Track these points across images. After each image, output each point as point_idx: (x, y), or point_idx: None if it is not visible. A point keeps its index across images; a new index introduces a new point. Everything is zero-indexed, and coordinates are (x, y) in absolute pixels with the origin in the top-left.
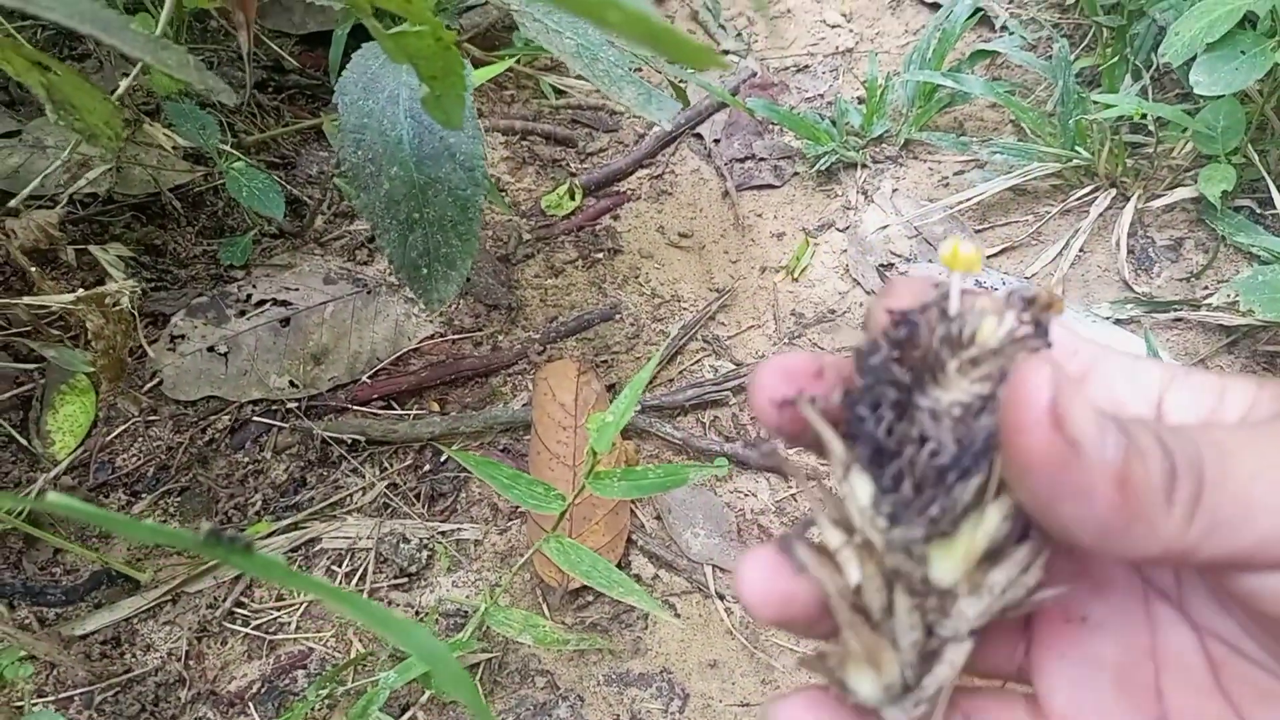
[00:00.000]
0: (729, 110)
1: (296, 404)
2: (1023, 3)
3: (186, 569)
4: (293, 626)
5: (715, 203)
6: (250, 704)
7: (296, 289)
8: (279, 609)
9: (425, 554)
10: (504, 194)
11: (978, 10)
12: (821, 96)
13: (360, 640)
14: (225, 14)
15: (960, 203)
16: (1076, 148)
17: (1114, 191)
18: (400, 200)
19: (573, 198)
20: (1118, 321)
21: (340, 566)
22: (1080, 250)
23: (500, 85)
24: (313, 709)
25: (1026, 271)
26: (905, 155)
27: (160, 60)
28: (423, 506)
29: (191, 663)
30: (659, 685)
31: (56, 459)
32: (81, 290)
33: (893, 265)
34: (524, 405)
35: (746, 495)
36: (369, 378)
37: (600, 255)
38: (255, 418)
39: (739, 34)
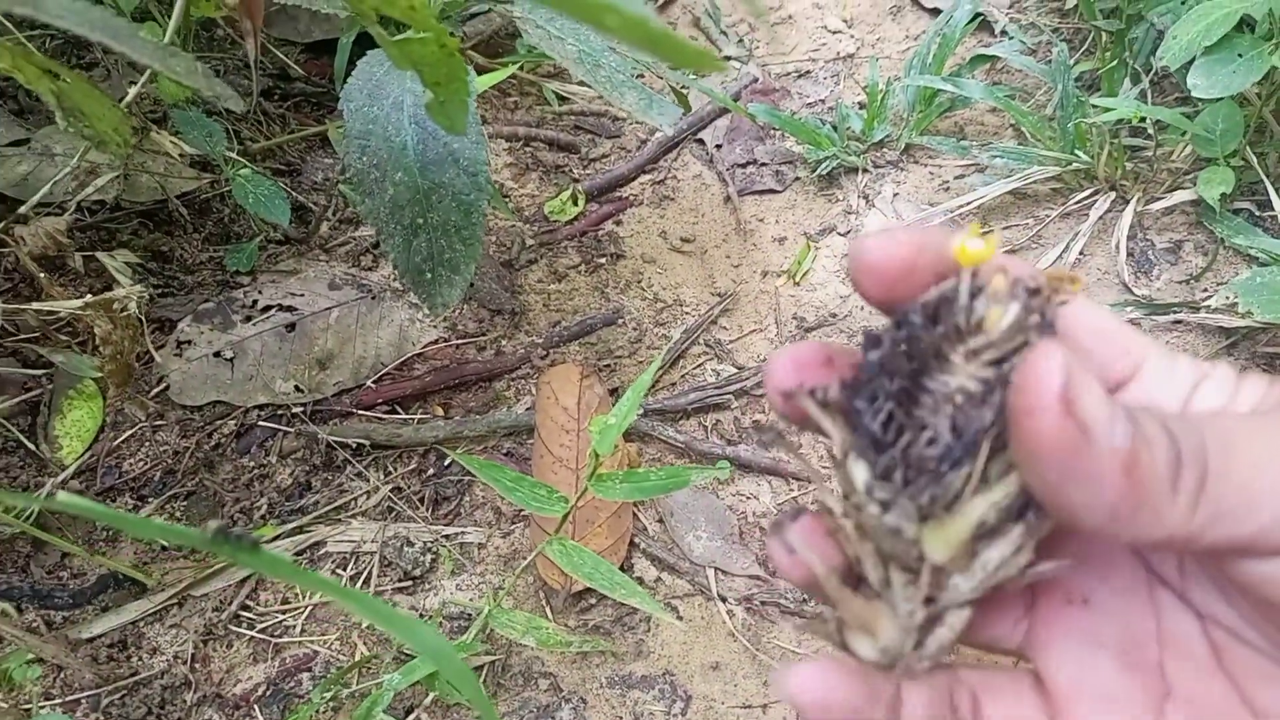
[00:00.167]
0: (731, 116)
1: (302, 409)
2: (1022, 8)
3: (193, 572)
4: (298, 629)
5: (717, 208)
6: (255, 707)
7: (302, 295)
8: (284, 612)
9: (429, 557)
10: (507, 200)
11: (977, 16)
12: (823, 102)
13: (365, 643)
14: (232, 23)
15: (961, 206)
16: (1076, 151)
17: (1113, 195)
18: (404, 205)
19: (575, 203)
20: None
21: (345, 570)
22: (1080, 253)
23: (503, 92)
24: (317, 711)
25: None
26: (906, 160)
27: (169, 67)
28: (427, 510)
29: (197, 665)
30: (661, 687)
31: (64, 463)
32: (89, 296)
33: None
34: (527, 409)
35: (749, 498)
36: (373, 382)
37: (603, 260)
38: (261, 422)
39: (740, 40)
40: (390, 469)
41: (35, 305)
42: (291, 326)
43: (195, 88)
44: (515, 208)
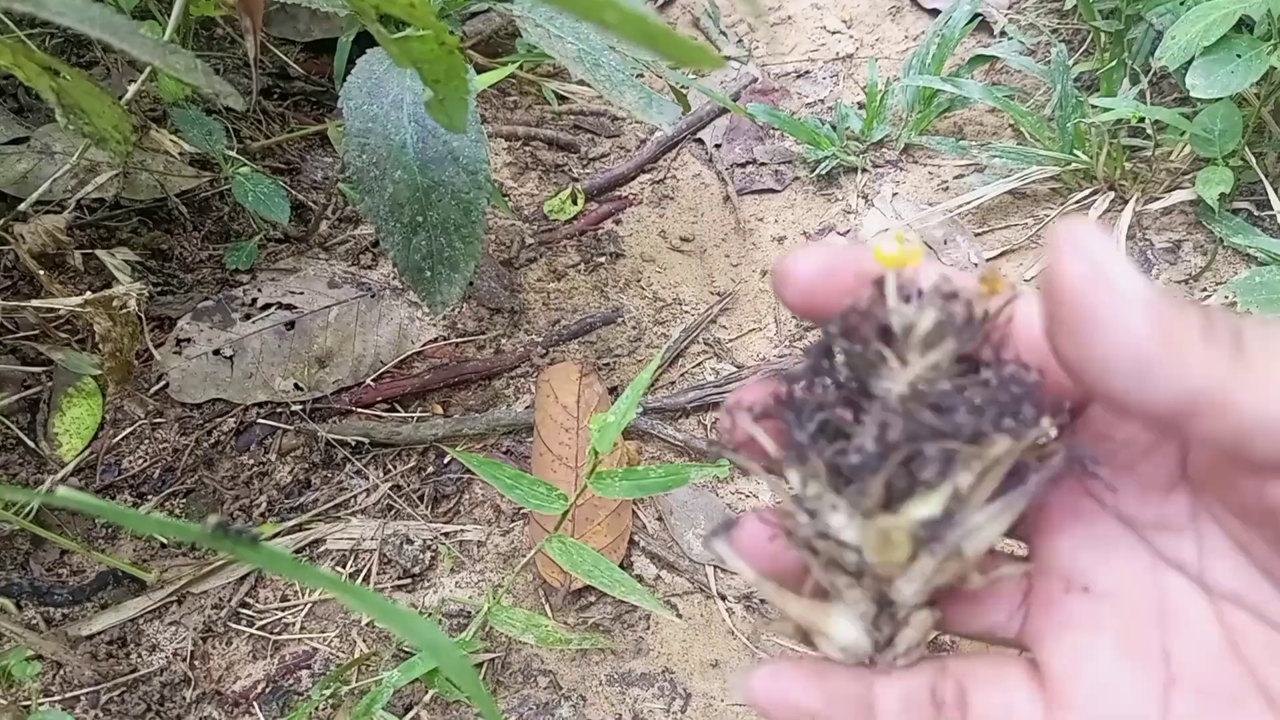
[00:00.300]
0: (730, 116)
1: (301, 407)
2: (1021, 8)
3: (192, 570)
4: (297, 627)
5: (716, 207)
6: (255, 704)
7: (301, 293)
8: (283, 609)
9: (428, 555)
10: (507, 199)
11: (976, 16)
12: (822, 102)
13: (364, 640)
14: (231, 22)
15: (960, 206)
16: (1075, 151)
17: (1112, 194)
18: (404, 203)
19: (575, 202)
20: None
21: (344, 567)
22: None
23: (503, 92)
24: (317, 708)
25: (1026, 274)
26: (905, 159)
27: (168, 64)
28: (426, 508)
29: (197, 663)
30: (661, 685)
31: (64, 461)
32: (89, 294)
33: None
34: (526, 408)
35: (748, 496)
36: (373, 381)
37: (602, 259)
38: (260, 420)
39: (740, 40)
40: (390, 467)
41: (35, 303)
42: (291, 324)
43: (195, 85)
44: (515, 207)
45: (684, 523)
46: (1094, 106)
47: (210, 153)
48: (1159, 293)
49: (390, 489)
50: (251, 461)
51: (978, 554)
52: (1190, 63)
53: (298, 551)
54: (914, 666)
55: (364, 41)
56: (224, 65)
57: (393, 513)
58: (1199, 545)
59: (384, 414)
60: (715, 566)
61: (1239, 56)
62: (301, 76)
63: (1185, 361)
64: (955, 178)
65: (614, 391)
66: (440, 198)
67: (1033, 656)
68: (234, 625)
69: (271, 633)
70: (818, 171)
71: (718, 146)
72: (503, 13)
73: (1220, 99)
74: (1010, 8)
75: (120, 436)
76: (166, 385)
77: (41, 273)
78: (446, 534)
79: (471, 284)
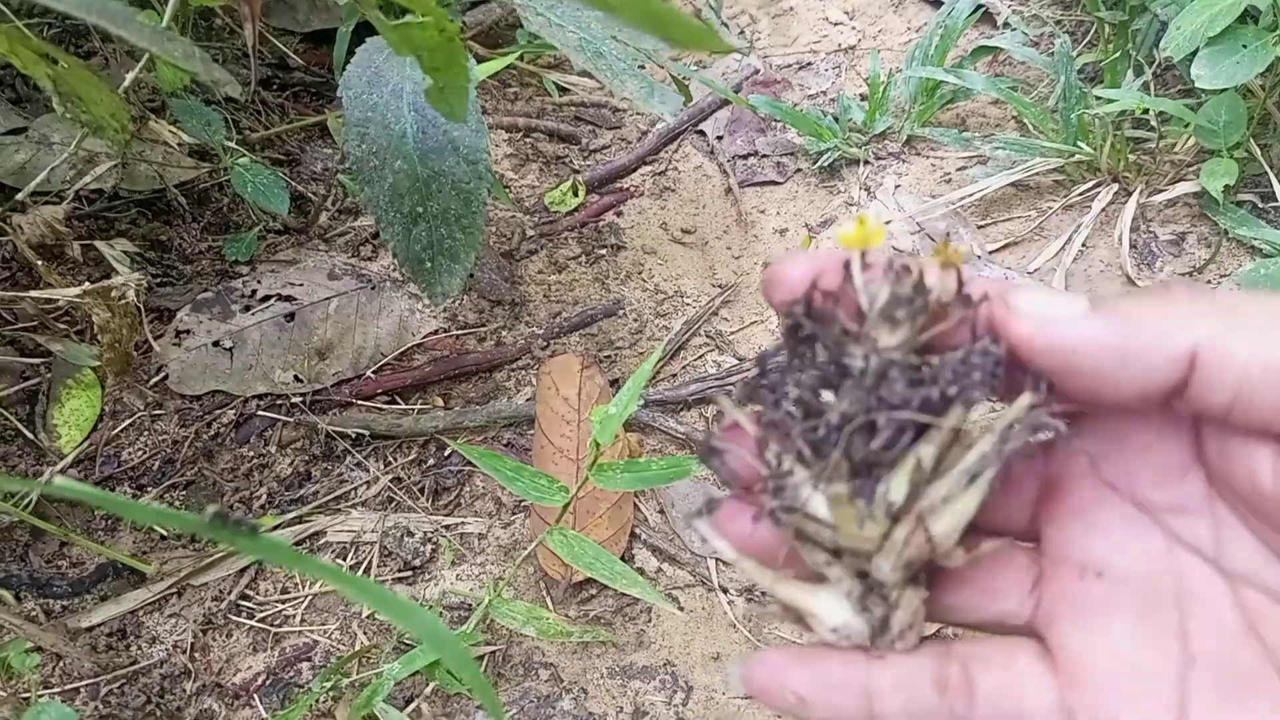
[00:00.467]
0: (732, 107)
1: (301, 398)
2: None
3: (192, 562)
4: (298, 619)
5: (718, 199)
6: (255, 696)
7: (301, 284)
8: (284, 602)
9: (429, 547)
10: (508, 190)
11: (979, 7)
12: (824, 93)
13: (365, 632)
14: (230, 12)
15: (963, 198)
16: (1079, 143)
17: (1116, 186)
18: (404, 194)
19: (576, 194)
20: None
21: (345, 560)
22: (1083, 245)
23: (504, 83)
24: (317, 701)
25: (1029, 266)
26: (908, 151)
27: (166, 51)
28: (427, 500)
29: (197, 655)
30: (662, 678)
31: (63, 452)
32: (88, 285)
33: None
34: (527, 400)
35: None
36: (373, 373)
37: (603, 251)
38: (260, 412)
39: (742, 31)
40: (390, 459)
41: (33, 294)
42: (291, 316)
43: (193, 72)
44: (515, 198)
45: (686, 522)
46: (1098, 98)
47: (209, 143)
48: (1105, 297)
49: (391, 481)
50: (251, 454)
51: (953, 528)
52: (1195, 54)
53: (298, 544)
54: (914, 651)
55: (364, 32)
56: (223, 55)
57: (393, 505)
58: (1215, 527)
59: (384, 406)
60: (717, 559)
61: (1244, 47)
62: (301, 67)
63: (1163, 324)
64: (958, 170)
65: (615, 384)
66: (440, 188)
67: (1043, 640)
68: (234, 617)
69: (272, 625)
70: (820, 163)
71: (719, 138)
72: (503, 3)
73: (1225, 90)
74: None
75: (119, 428)
76: (166, 377)
77: (40, 263)
78: (447, 526)
79: (472, 276)
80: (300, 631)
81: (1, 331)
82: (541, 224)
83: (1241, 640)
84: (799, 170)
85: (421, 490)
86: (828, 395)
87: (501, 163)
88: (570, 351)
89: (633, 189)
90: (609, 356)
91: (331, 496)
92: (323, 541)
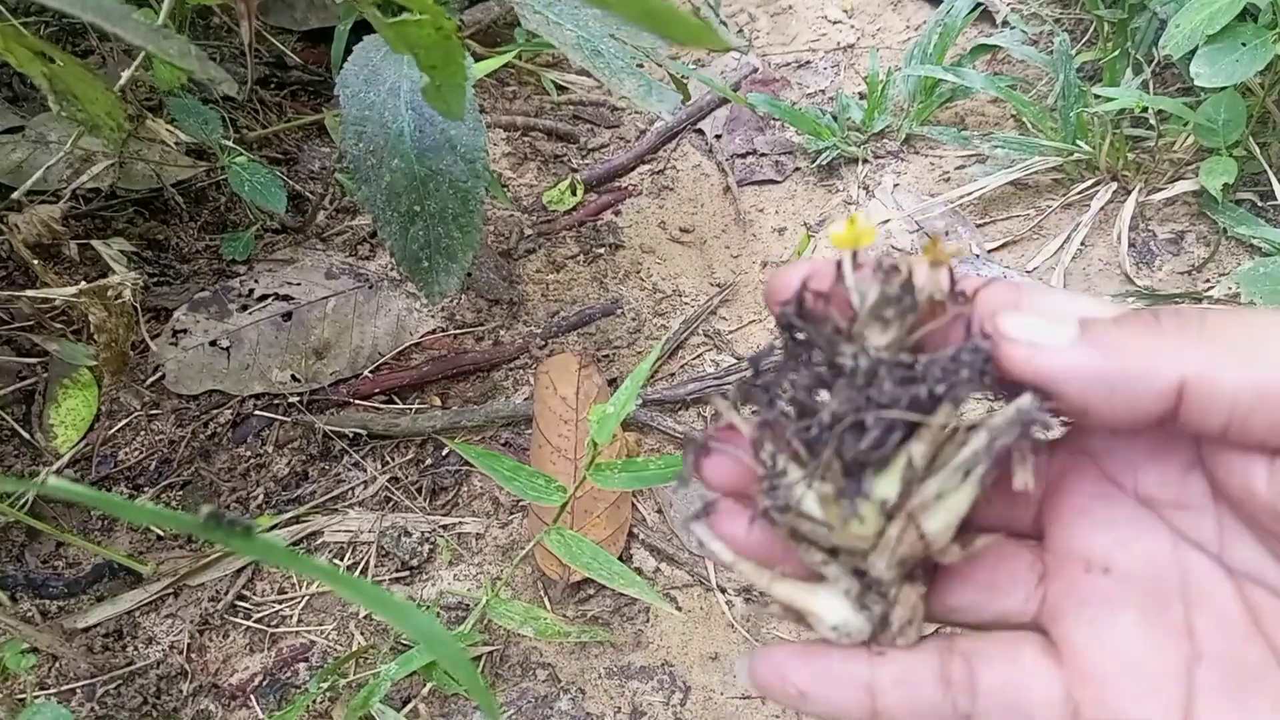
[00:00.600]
0: (730, 106)
1: (298, 398)
2: None
3: (189, 562)
4: (294, 619)
5: (716, 198)
6: (252, 697)
7: (298, 284)
8: (281, 602)
9: (427, 548)
10: (506, 189)
11: (978, 5)
12: (823, 92)
13: (362, 633)
14: (228, 10)
15: (961, 197)
16: (1078, 142)
17: (1115, 185)
18: (401, 192)
19: (574, 193)
20: None
21: (342, 560)
22: (1081, 244)
23: (502, 82)
24: (314, 701)
25: (1028, 265)
26: (906, 150)
27: (162, 49)
28: (424, 500)
29: (193, 655)
30: (660, 678)
31: (59, 452)
32: (84, 284)
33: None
34: (525, 399)
35: None
36: (371, 372)
37: (602, 250)
38: (257, 412)
39: (740, 30)
40: (388, 459)
41: (29, 293)
42: (288, 315)
43: (189, 70)
44: (513, 197)
45: (683, 525)
46: (1097, 96)
47: (206, 142)
48: (1095, 320)
49: (388, 481)
50: (248, 453)
51: (947, 525)
52: (1194, 52)
53: (295, 544)
54: (915, 647)
55: (361, 30)
56: (220, 54)
57: (391, 505)
58: (1218, 525)
59: (382, 406)
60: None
61: (1243, 45)
62: (298, 66)
63: (1153, 359)
64: (957, 168)
65: (613, 383)
66: (438, 187)
67: (1048, 636)
68: (231, 618)
69: (269, 625)
70: (818, 162)
71: (718, 137)
72: (501, 1)
73: (1224, 88)
74: None
75: (116, 428)
76: (163, 376)
77: (36, 263)
78: (445, 526)
79: (470, 275)
80: (297, 632)
81: None
82: (539, 223)
83: (1247, 636)
84: (797, 169)
85: (419, 490)
86: (823, 394)
87: (499, 161)
88: (568, 351)
89: (631, 188)
90: (607, 356)
91: (329, 496)
92: (320, 541)
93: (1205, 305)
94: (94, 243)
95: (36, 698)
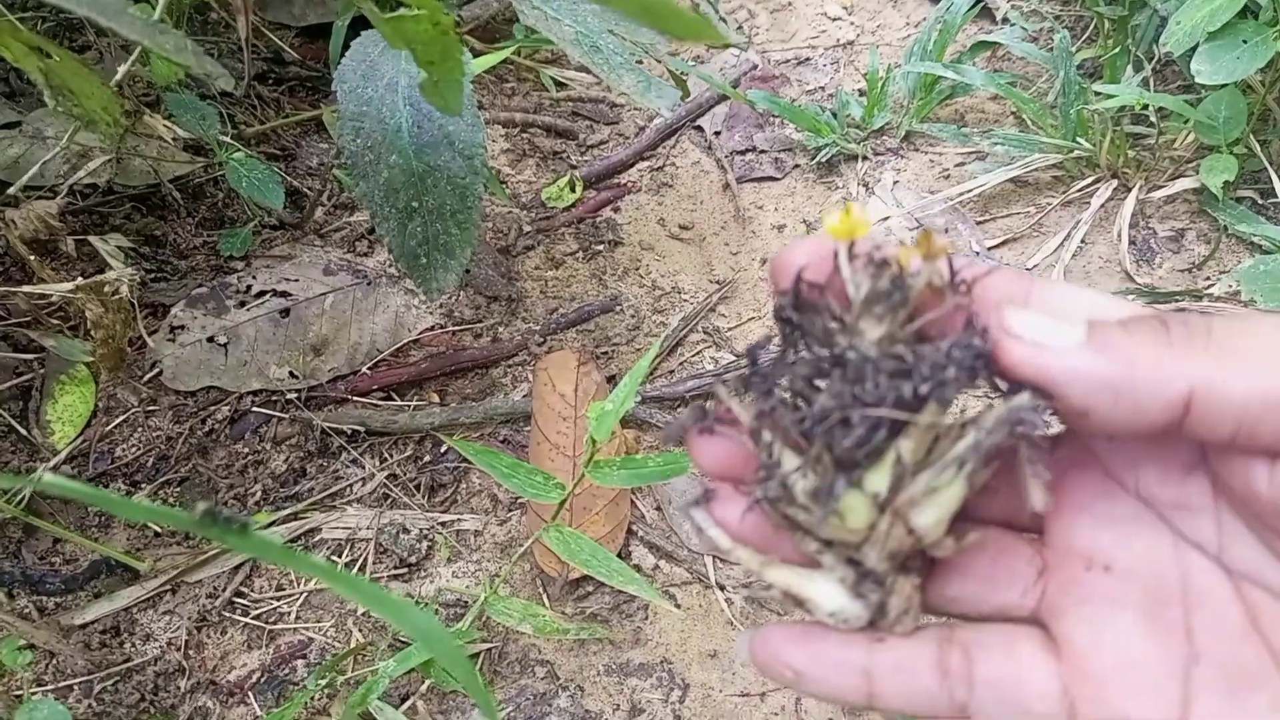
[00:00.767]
0: (730, 103)
1: (296, 395)
2: None
3: (186, 558)
4: (292, 616)
5: (716, 195)
6: (250, 693)
7: (296, 280)
8: (279, 599)
9: (425, 544)
10: (504, 186)
11: (979, 2)
12: (822, 89)
13: (360, 630)
14: (225, 6)
15: (961, 194)
16: (1078, 139)
17: (1115, 182)
18: (399, 188)
19: (573, 190)
20: None
21: (340, 557)
22: (1082, 241)
23: (500, 78)
24: (312, 698)
25: (1028, 263)
26: (906, 147)
27: (158, 44)
28: (423, 497)
29: (191, 652)
30: (659, 675)
31: (56, 449)
32: (80, 279)
33: None
34: (524, 396)
35: None
36: (369, 369)
37: (601, 247)
38: (255, 408)
39: (739, 26)
40: (386, 456)
41: (26, 288)
42: (286, 312)
43: (185, 65)
44: (512, 194)
45: (683, 513)
46: (1097, 93)
47: (204, 138)
48: (1103, 324)
49: (386, 478)
50: (246, 450)
51: (938, 519)
52: (1195, 49)
53: (293, 541)
54: (914, 635)
55: (360, 26)
56: (218, 50)
57: (389, 502)
58: (1218, 525)
59: (380, 402)
60: (715, 556)
61: (1244, 42)
62: (296, 62)
63: (1161, 369)
64: (957, 165)
65: (612, 380)
66: (436, 183)
67: (1046, 630)
68: (228, 615)
69: (267, 622)
70: (818, 159)
71: (717, 134)
72: None
73: (1225, 86)
74: None
75: (113, 424)
76: (160, 373)
77: (33, 258)
78: (443, 523)
79: (468, 271)
80: (295, 629)
81: None
82: (538, 220)
83: (1245, 637)
84: (797, 166)
85: (417, 487)
86: (821, 383)
87: (498, 158)
88: (567, 348)
89: (630, 185)
90: (606, 353)
91: (327, 493)
92: (318, 538)
93: (1212, 312)
94: (91, 238)
95: (34, 694)
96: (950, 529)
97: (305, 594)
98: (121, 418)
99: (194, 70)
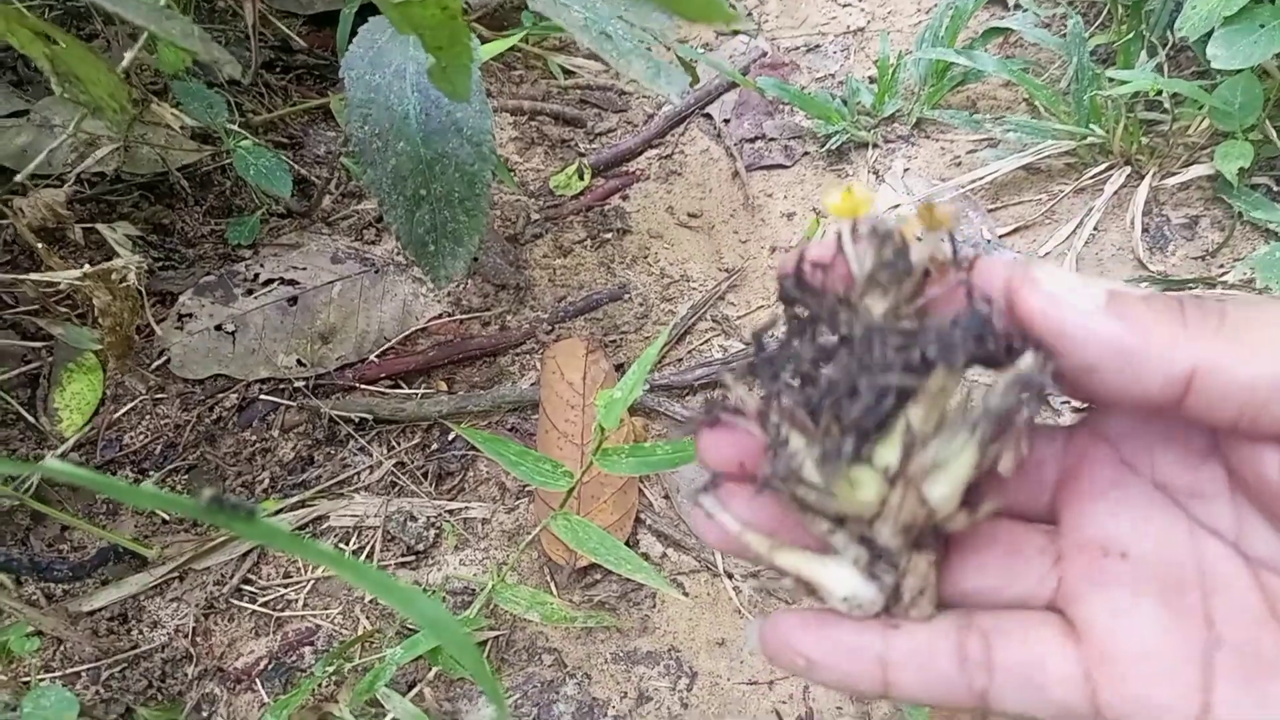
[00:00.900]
0: (739, 90)
1: (304, 383)
2: None
3: (194, 546)
4: (300, 603)
5: (725, 183)
6: (257, 680)
7: (304, 268)
8: (286, 586)
9: (433, 532)
10: (512, 174)
11: None
12: (833, 76)
13: (367, 617)
14: None
15: (973, 182)
16: (1091, 125)
17: (1129, 169)
18: (407, 176)
19: (581, 178)
20: None
21: (347, 544)
22: (1095, 229)
23: (509, 66)
24: (319, 685)
25: (1040, 250)
26: (917, 134)
27: (164, 29)
28: (430, 485)
29: (199, 639)
30: (667, 663)
31: (64, 436)
32: (89, 268)
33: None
34: (532, 384)
35: None
36: (377, 357)
37: (609, 235)
38: (263, 396)
39: (749, 13)
40: (394, 444)
41: (34, 276)
42: (294, 300)
43: (192, 51)
44: (520, 181)
45: (691, 501)
46: (1110, 79)
47: (212, 126)
48: (1123, 293)
49: (394, 466)
50: (254, 438)
51: (951, 490)
52: (1210, 34)
53: (301, 528)
54: (930, 621)
55: (367, 13)
56: (226, 38)
57: (396, 490)
58: (1236, 512)
59: (388, 390)
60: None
61: (1261, 27)
62: (304, 49)
63: (1172, 344)
64: (968, 153)
65: (620, 368)
66: (444, 170)
67: (1065, 617)
68: (236, 602)
69: (274, 609)
70: (828, 147)
71: (726, 121)
72: None
73: (1241, 71)
74: None
75: (121, 412)
76: (168, 361)
77: (41, 247)
78: (451, 511)
79: (476, 259)
80: (303, 616)
81: (2, 315)
82: (546, 207)
83: (1264, 624)
84: (807, 154)
85: (425, 475)
86: (827, 363)
87: (506, 146)
88: (575, 336)
89: (639, 172)
90: (614, 341)
91: (334, 481)
92: (325, 526)
93: (1226, 298)
94: (99, 226)
95: (41, 681)
96: (964, 502)
97: (313, 581)
98: (129, 405)
99: (201, 57)
